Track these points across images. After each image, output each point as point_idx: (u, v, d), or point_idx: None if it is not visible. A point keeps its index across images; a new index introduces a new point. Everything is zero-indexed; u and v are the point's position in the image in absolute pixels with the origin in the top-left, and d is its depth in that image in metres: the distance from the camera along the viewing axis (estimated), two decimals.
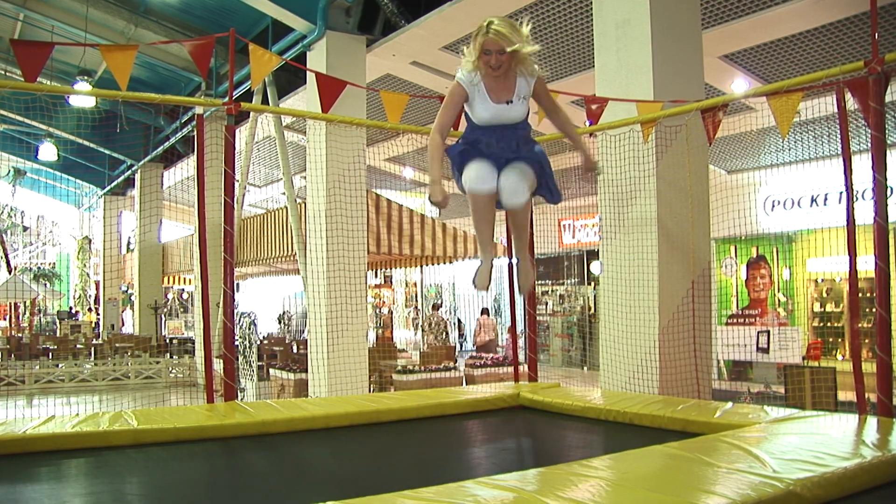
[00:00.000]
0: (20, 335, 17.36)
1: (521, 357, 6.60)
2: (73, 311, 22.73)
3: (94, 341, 16.07)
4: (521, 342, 6.89)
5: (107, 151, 17.55)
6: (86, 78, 12.49)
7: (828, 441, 3.11)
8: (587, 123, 5.78)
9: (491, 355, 11.87)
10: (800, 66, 8.45)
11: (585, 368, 14.37)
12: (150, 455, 3.57)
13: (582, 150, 3.56)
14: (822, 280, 12.04)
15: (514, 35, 3.07)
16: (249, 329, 10.14)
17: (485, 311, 14.30)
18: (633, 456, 2.92)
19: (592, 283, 15.35)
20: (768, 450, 2.90)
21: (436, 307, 15.72)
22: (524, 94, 3.27)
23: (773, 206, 11.81)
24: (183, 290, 23.29)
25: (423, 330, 15.67)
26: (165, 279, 18.95)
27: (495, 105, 3.22)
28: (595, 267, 14.79)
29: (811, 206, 11.29)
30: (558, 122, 3.51)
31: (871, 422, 3.55)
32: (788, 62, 8.44)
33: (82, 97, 11.47)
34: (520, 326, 6.67)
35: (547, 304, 16.32)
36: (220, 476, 3.47)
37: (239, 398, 5.35)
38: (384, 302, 20.47)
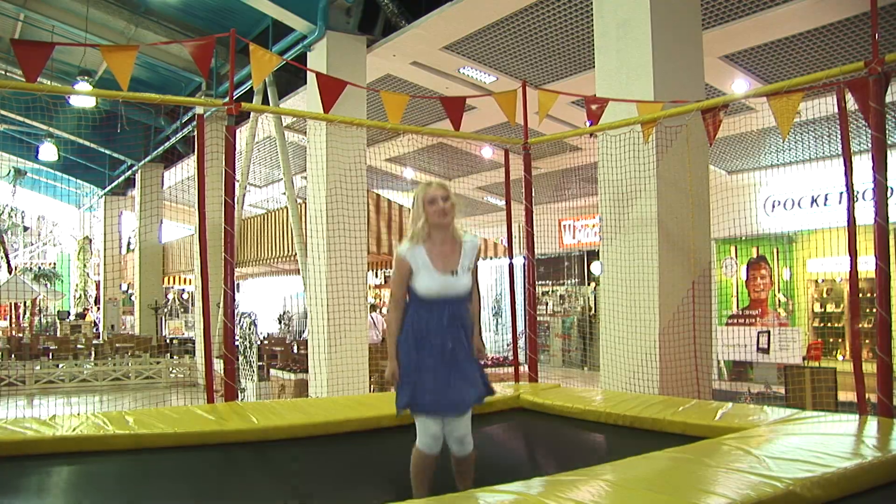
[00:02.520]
0: (20, 335, 17.36)
1: (522, 357, 6.60)
2: (84, 310, 22.72)
3: (95, 341, 16.07)
4: (521, 342, 6.89)
5: (107, 151, 17.55)
6: (86, 78, 12.49)
7: (828, 441, 3.11)
8: (587, 123, 5.78)
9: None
10: (800, 66, 8.44)
11: (586, 369, 14.35)
12: (149, 459, 3.57)
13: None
14: (823, 280, 12.03)
15: (451, 191, 3.22)
16: (250, 329, 10.13)
17: None
18: (634, 459, 2.92)
19: (593, 284, 15.34)
20: (768, 450, 2.90)
21: (373, 308, 15.52)
22: (468, 265, 3.23)
23: (774, 206, 11.81)
24: (183, 290, 23.27)
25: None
26: (166, 279, 18.94)
27: (441, 276, 3.16)
28: (595, 267, 14.80)
29: (811, 206, 11.28)
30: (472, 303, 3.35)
31: (872, 422, 3.55)
32: (789, 62, 8.44)
33: (83, 97, 11.46)
34: (520, 327, 6.67)
35: (547, 304, 16.32)
36: (220, 479, 3.47)
37: (239, 398, 5.35)
38: (384, 302, 20.47)
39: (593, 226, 14.81)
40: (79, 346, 14.88)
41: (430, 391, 3.11)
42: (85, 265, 23.32)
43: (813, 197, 11.26)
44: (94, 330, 19.89)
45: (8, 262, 21.25)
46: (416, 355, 3.15)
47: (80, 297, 23.15)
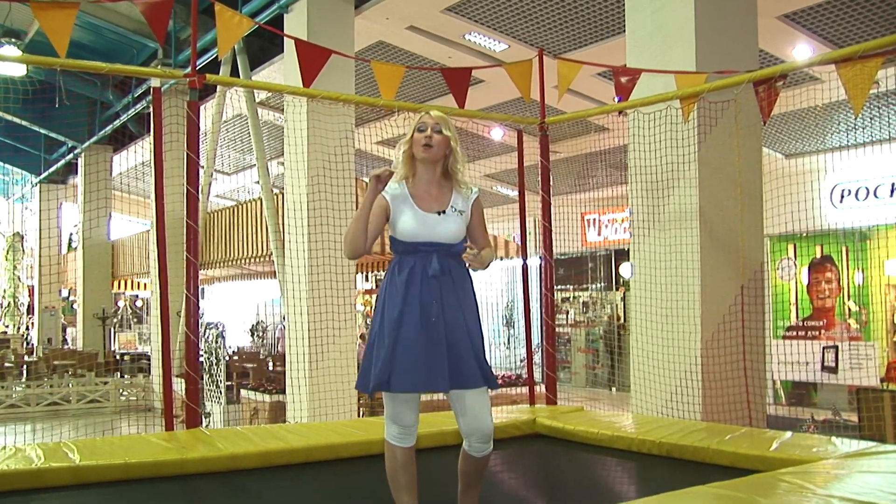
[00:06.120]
0: None
1: (538, 376, 6.63)
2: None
3: (27, 358, 16.12)
4: (537, 358, 6.91)
5: (42, 131, 17.56)
6: (13, 40, 12.46)
7: None
8: (616, 100, 5.80)
9: None
10: (878, 25, 8.41)
11: (614, 389, 14.40)
12: (93, 498, 3.58)
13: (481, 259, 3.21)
14: None
15: (451, 126, 3.16)
16: (216, 343, 10.19)
17: None
18: (672, 498, 2.94)
19: (622, 289, 15.37)
20: (839, 489, 2.90)
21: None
22: (460, 209, 3.17)
23: (843, 196, 11.80)
24: (136, 296, 23.34)
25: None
26: (115, 283, 19.01)
27: (424, 214, 3.11)
28: (625, 269, 14.82)
29: (891, 196, 11.27)
30: (479, 245, 3.24)
31: None
32: (863, 21, 8.41)
33: (8, 64, 11.48)
34: (536, 339, 6.70)
35: (568, 312, 16.35)
36: None
37: (204, 425, 5.40)
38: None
39: (622, 220, 14.83)
40: (7, 363, 14.90)
41: (410, 361, 2.99)
42: (15, 267, 23.36)
43: (893, 185, 11.25)
44: (27, 345, 19.90)
45: None
46: (395, 318, 3.02)
47: (8, 305, 23.20)
